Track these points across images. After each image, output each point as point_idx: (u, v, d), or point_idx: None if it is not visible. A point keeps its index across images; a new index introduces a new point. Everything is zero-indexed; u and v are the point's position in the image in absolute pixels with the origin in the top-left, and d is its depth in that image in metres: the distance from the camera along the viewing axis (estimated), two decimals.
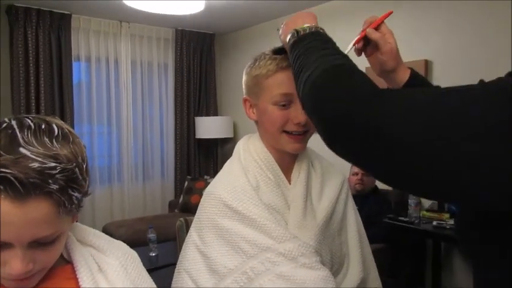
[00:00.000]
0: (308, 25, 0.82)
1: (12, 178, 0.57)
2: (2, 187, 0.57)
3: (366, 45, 0.96)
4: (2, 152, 0.58)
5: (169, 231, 3.56)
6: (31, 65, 3.82)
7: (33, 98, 3.83)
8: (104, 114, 4.37)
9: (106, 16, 4.21)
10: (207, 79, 4.99)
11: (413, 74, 0.97)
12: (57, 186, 0.61)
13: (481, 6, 2.70)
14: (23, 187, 0.58)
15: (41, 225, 0.62)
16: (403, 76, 0.96)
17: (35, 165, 0.59)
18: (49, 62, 3.93)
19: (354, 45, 0.95)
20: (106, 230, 3.88)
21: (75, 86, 4.14)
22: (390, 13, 0.95)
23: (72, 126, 4.05)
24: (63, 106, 4.01)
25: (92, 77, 4.28)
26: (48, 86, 3.92)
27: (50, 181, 0.60)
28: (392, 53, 0.94)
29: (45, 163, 0.60)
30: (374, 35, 0.92)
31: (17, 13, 3.74)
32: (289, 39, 0.82)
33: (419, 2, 3.04)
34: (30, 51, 3.81)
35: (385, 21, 0.95)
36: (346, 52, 0.96)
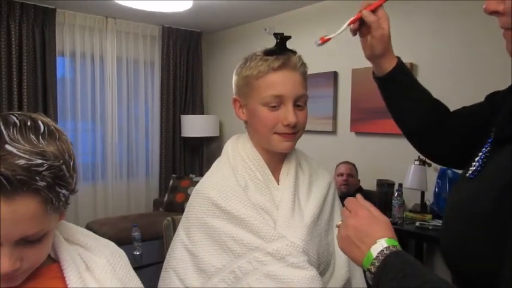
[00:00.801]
0: (376, 253, 0.71)
1: None
2: None
3: (361, 26, 0.97)
4: None
5: (153, 230, 3.53)
6: (14, 59, 3.74)
7: (15, 93, 3.76)
8: (88, 110, 4.31)
9: (92, 11, 4.16)
10: (194, 77, 4.97)
11: (399, 64, 0.99)
12: (44, 183, 0.60)
13: (466, 11, 2.75)
14: (10, 184, 0.57)
15: (29, 223, 0.61)
16: (389, 64, 0.98)
17: (22, 162, 0.59)
18: (32, 56, 3.86)
19: (348, 25, 0.96)
20: (89, 228, 3.80)
21: (59, 81, 4.07)
22: None
23: (56, 123, 3.89)
24: (46, 102, 3.95)
25: (77, 73, 4.22)
26: (31, 81, 3.85)
27: (37, 178, 0.60)
28: (383, 38, 0.94)
29: (31, 160, 0.59)
30: (370, 17, 0.93)
31: None
32: (367, 275, 0.74)
33: (404, 5, 3.08)
34: (13, 46, 3.73)
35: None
36: (339, 31, 0.95)
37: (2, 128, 0.61)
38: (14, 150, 0.59)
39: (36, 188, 0.60)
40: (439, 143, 0.98)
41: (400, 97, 1.00)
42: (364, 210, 0.76)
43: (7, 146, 0.59)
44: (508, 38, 0.70)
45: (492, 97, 0.90)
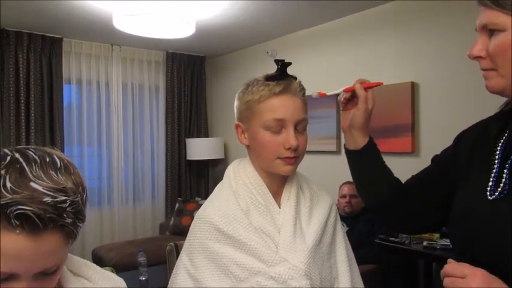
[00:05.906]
0: None
1: (31, 214, 0.59)
2: (18, 222, 0.59)
3: (351, 98, 1.04)
4: (14, 188, 0.60)
5: (159, 254, 3.51)
6: (22, 87, 3.82)
7: (23, 120, 3.83)
8: (94, 136, 4.37)
9: (97, 39, 4.25)
10: (198, 101, 5.03)
11: (372, 142, 1.05)
12: (70, 220, 0.63)
13: (467, 31, 2.78)
14: (42, 222, 0.60)
15: (50, 257, 0.64)
16: (363, 139, 1.04)
17: (48, 199, 0.61)
18: (40, 84, 3.94)
19: (343, 91, 1.04)
20: (96, 254, 3.82)
21: (65, 108, 4.14)
22: (380, 84, 1.04)
23: (63, 148, 4.03)
24: (53, 128, 4.01)
25: (83, 100, 4.29)
26: (38, 108, 3.92)
27: (64, 215, 0.63)
28: (366, 112, 1.01)
29: (56, 197, 0.62)
30: (360, 91, 1.01)
31: (8, 37, 3.76)
32: None
33: (406, 25, 3.13)
34: (21, 74, 3.82)
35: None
36: (334, 92, 1.05)
37: (24, 164, 0.63)
38: (40, 188, 0.61)
39: (62, 224, 0.63)
40: (404, 214, 1.04)
41: (368, 173, 1.06)
42: (478, 270, 0.71)
43: (32, 184, 0.61)
44: (488, 77, 0.83)
45: (438, 158, 0.99)
